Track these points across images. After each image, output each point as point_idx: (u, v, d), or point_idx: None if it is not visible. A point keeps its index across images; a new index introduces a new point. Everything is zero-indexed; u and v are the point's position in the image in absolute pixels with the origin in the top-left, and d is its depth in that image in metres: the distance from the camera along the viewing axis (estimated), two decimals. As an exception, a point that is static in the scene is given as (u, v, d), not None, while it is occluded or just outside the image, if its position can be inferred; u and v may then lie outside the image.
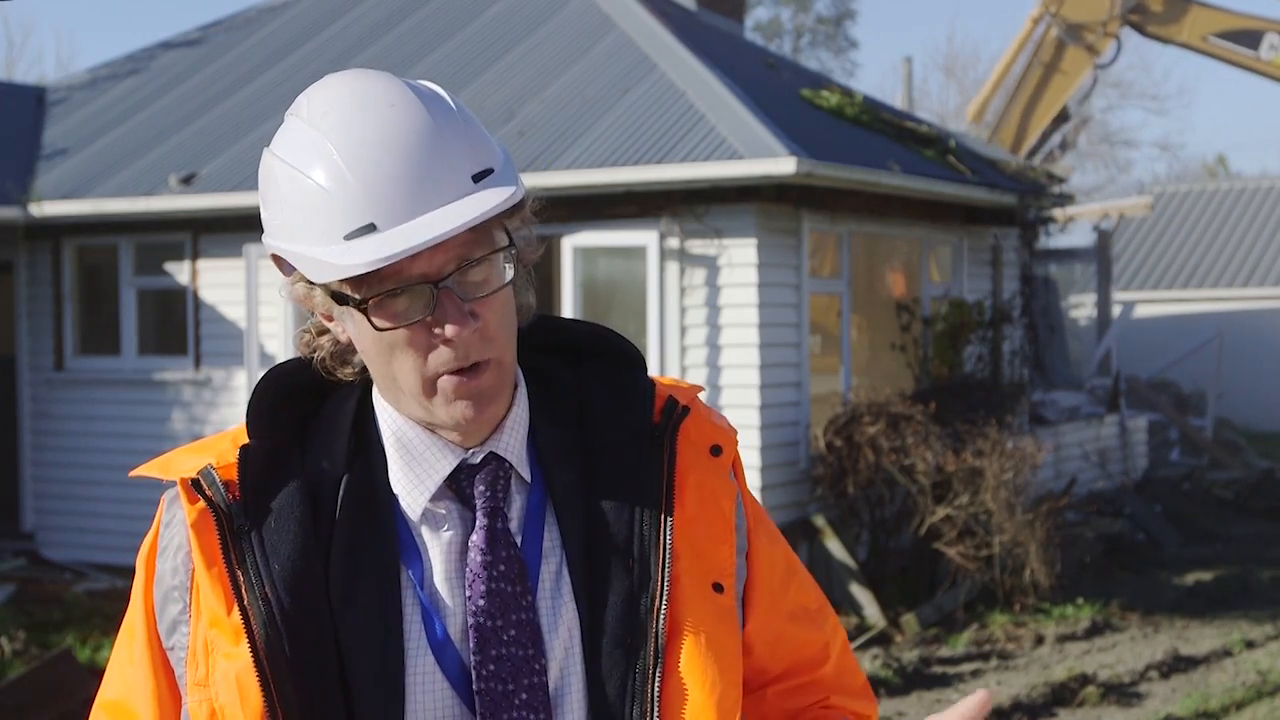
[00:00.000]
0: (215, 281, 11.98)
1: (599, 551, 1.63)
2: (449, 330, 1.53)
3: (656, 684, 1.59)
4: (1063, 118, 17.61)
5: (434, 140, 1.52)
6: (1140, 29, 16.87)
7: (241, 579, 1.56)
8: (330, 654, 1.56)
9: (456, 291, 1.54)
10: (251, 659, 1.54)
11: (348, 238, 1.50)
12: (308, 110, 1.57)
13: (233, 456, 1.62)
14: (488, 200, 1.50)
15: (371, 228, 1.50)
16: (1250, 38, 16.36)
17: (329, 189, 1.51)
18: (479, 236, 1.55)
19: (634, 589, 1.61)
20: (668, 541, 1.62)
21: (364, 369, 1.65)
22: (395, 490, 1.63)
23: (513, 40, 12.57)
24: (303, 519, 1.58)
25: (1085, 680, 8.41)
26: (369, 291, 1.53)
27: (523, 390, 1.68)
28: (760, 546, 1.74)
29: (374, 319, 1.54)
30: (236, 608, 1.55)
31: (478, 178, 1.53)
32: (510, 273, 1.58)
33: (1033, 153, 17.19)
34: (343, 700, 1.56)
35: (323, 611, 1.57)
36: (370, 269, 1.49)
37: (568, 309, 10.44)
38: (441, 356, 1.55)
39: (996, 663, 9.10)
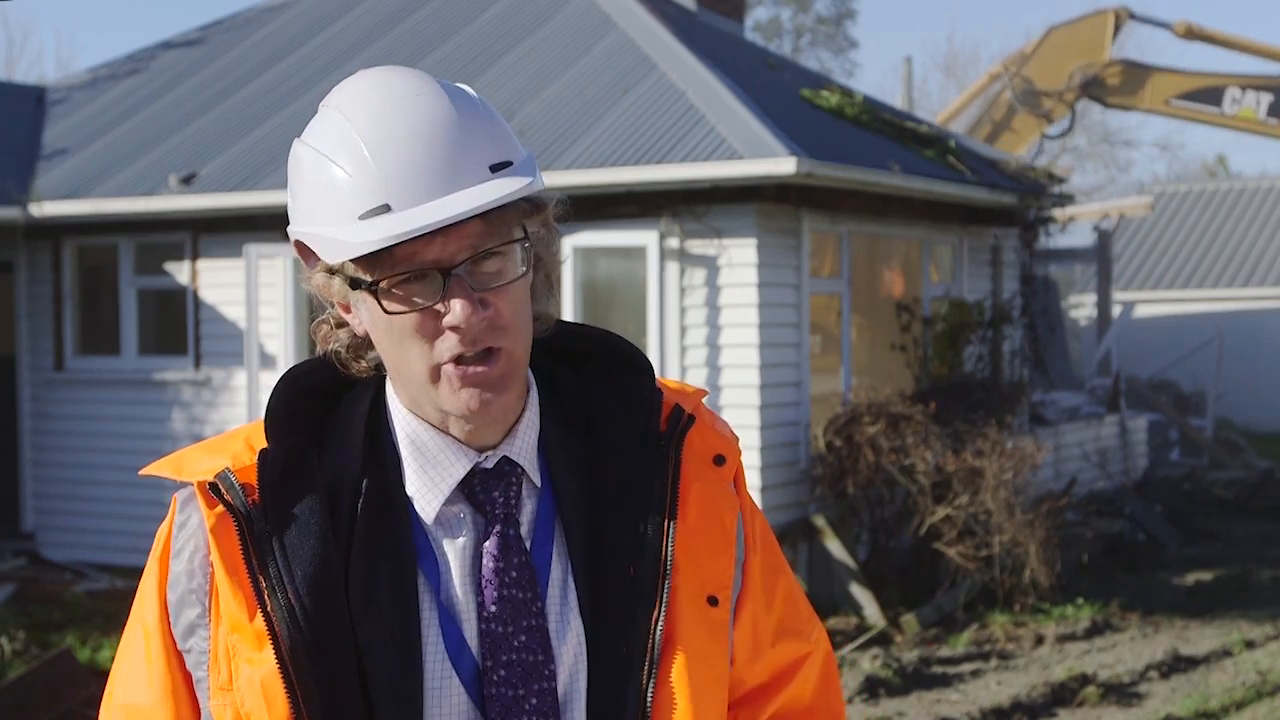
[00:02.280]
0: (215, 281, 11.98)
1: (602, 559, 1.64)
2: (456, 316, 1.55)
3: (650, 694, 1.61)
4: None
5: (456, 130, 1.55)
6: (1101, 101, 16.86)
7: (264, 584, 1.57)
8: (352, 659, 1.56)
9: (468, 280, 1.55)
10: (276, 665, 1.54)
11: (362, 217, 1.53)
12: (337, 99, 1.60)
13: (248, 459, 1.63)
14: (503, 188, 1.53)
15: (386, 208, 1.53)
16: (1212, 95, 16.35)
17: (350, 172, 1.54)
18: (494, 228, 1.56)
19: (634, 598, 1.62)
20: (669, 552, 1.64)
21: (379, 364, 1.67)
22: (409, 493, 1.63)
23: (513, 40, 12.57)
24: (323, 523, 1.59)
25: (1085, 680, 8.41)
26: (381, 274, 1.55)
27: (534, 394, 1.69)
28: (754, 561, 1.75)
29: (385, 302, 1.56)
30: (259, 614, 1.56)
31: (496, 168, 1.55)
32: (525, 267, 1.59)
33: None
34: (365, 704, 1.56)
35: (344, 616, 1.57)
36: (382, 246, 1.51)
37: (568, 309, 10.44)
38: (449, 342, 1.57)
39: (996, 663, 9.10)
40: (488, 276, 1.57)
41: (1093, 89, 16.45)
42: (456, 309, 1.54)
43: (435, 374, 1.58)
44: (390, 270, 1.55)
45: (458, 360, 1.57)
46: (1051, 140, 17.71)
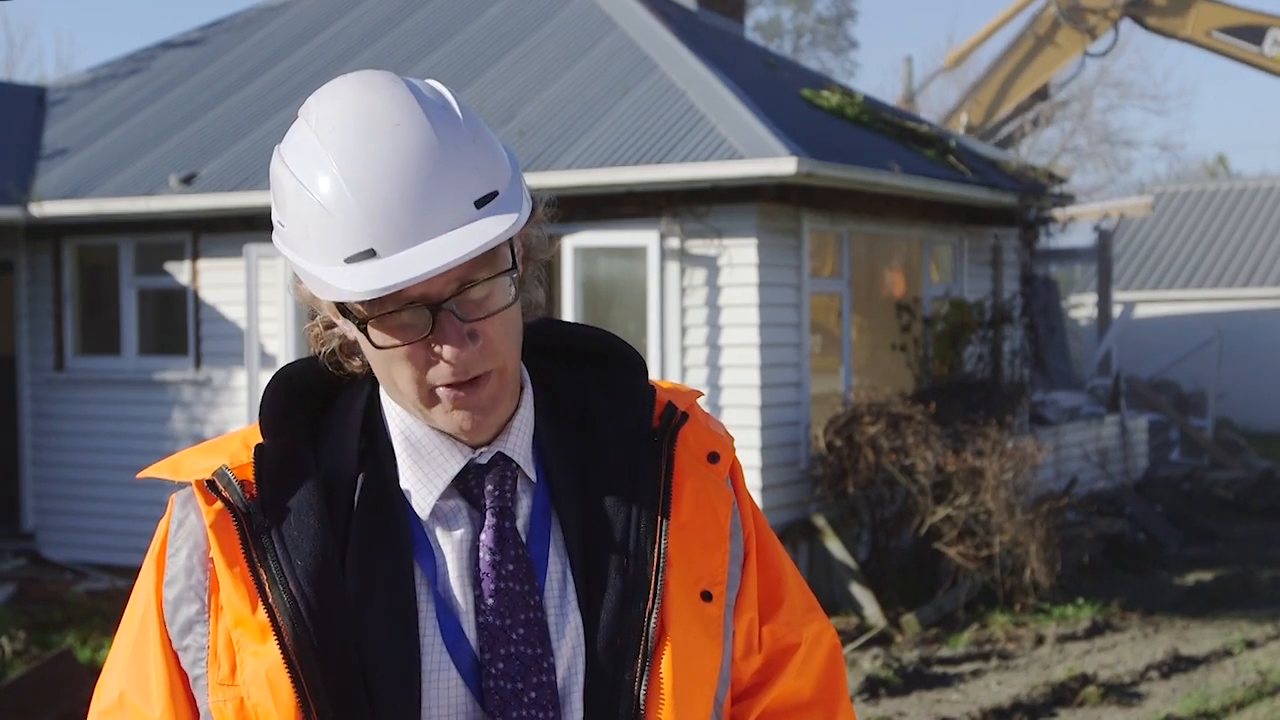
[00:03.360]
0: (215, 281, 11.98)
1: (596, 554, 1.65)
2: (447, 352, 1.55)
3: (642, 687, 1.61)
4: (1041, 95, 17.53)
5: (438, 163, 1.52)
6: (1142, 22, 16.75)
7: (264, 577, 1.58)
8: (353, 649, 1.57)
9: (456, 312, 1.55)
10: (280, 655, 1.55)
11: (348, 261, 1.52)
12: (315, 118, 1.56)
13: (245, 457, 1.64)
14: (488, 230, 1.50)
15: (371, 253, 1.51)
16: (1254, 33, 16.27)
17: (331, 210, 1.52)
18: (482, 259, 1.55)
19: (628, 592, 1.63)
20: (662, 546, 1.64)
21: None
22: (405, 488, 1.64)
23: (513, 40, 12.57)
24: (321, 516, 1.60)
25: (1085, 680, 8.41)
26: (369, 311, 1.55)
27: (529, 392, 1.70)
28: (753, 558, 1.76)
29: (373, 337, 1.56)
30: (261, 605, 1.57)
31: (481, 202, 1.53)
32: (514, 293, 1.59)
33: (1005, 122, 17.16)
34: (367, 693, 1.57)
35: (345, 606, 1.58)
36: (368, 297, 1.50)
37: (568, 309, 10.44)
38: (440, 371, 1.57)
39: (996, 663, 9.10)
40: (476, 305, 1.56)
41: (1137, 8, 16.37)
42: (447, 347, 1.55)
43: (426, 396, 1.59)
44: (378, 308, 1.54)
45: (451, 384, 1.58)
46: (1093, 58, 17.63)
